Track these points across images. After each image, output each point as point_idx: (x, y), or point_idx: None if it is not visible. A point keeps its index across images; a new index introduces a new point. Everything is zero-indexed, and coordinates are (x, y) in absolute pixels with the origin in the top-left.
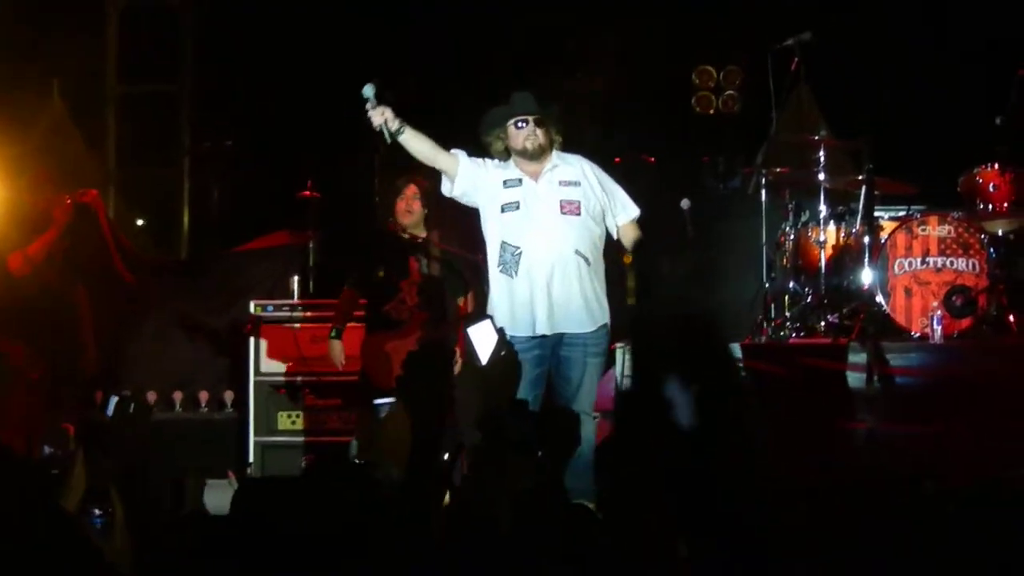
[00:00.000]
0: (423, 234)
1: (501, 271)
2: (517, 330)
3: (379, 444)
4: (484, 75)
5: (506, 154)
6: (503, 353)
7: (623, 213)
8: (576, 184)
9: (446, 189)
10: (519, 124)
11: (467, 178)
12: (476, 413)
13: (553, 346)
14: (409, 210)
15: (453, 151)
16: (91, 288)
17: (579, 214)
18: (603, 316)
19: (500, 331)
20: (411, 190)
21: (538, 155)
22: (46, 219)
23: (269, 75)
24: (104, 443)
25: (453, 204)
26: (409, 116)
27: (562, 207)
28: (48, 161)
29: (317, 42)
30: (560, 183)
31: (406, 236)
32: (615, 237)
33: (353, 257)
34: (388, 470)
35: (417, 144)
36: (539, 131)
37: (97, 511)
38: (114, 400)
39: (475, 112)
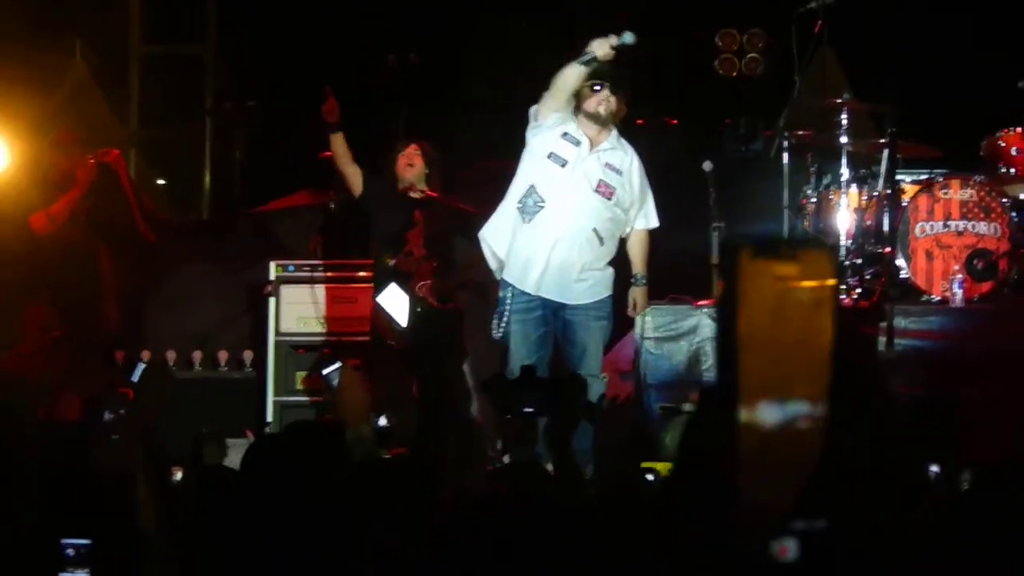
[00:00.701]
0: (424, 191)
1: (519, 209)
2: (511, 277)
3: (341, 410)
4: (501, 43)
5: (569, 112)
6: (418, 310)
7: (643, 220)
8: (619, 172)
9: (533, 112)
10: (596, 87)
11: (555, 120)
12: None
13: (555, 310)
14: (410, 163)
15: (571, 103)
16: (113, 247)
17: (610, 199)
18: (603, 289)
19: (408, 291)
20: (411, 148)
21: (609, 121)
22: (69, 179)
23: (292, 36)
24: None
25: (475, 169)
26: (415, 89)
27: (599, 186)
28: (70, 121)
29: (340, 4)
30: (607, 165)
31: (414, 194)
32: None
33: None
34: (361, 432)
35: (575, 81)
36: (613, 99)
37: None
38: (141, 367)
39: (494, 79)
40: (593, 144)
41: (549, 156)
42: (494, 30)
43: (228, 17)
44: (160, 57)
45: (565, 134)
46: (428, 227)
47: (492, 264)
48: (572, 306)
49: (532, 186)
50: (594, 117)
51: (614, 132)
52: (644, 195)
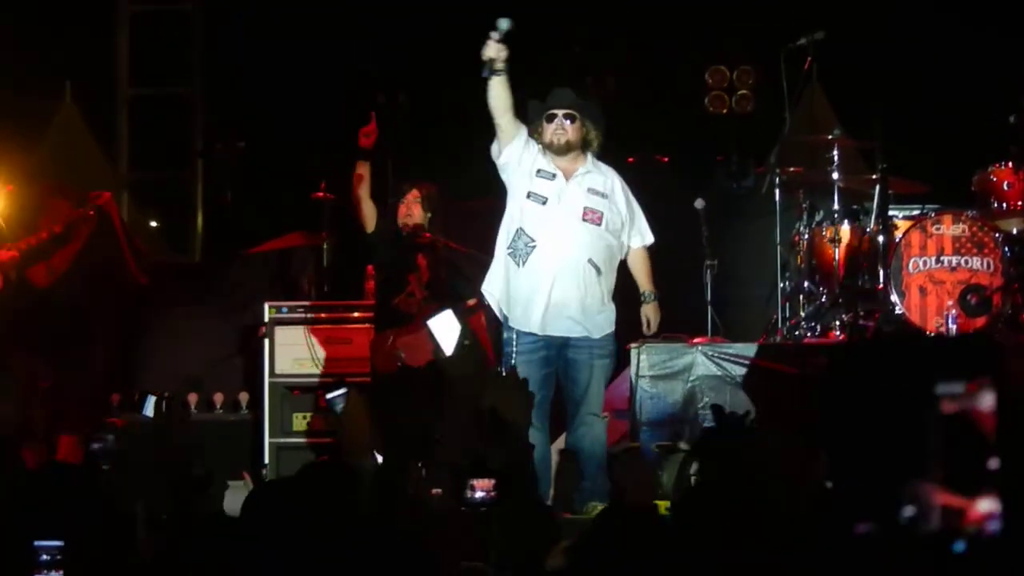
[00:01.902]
0: (427, 236)
1: (510, 255)
2: (516, 323)
3: (344, 438)
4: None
5: (543, 148)
6: (467, 343)
7: (638, 237)
8: (603, 196)
9: (494, 151)
10: (550, 117)
11: (517, 150)
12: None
13: (559, 348)
14: (409, 213)
15: (519, 123)
16: (104, 292)
17: (600, 224)
18: (606, 326)
19: (462, 322)
20: (412, 194)
21: (563, 150)
22: (69, 231)
23: (281, 76)
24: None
25: (462, 209)
26: (402, 128)
27: (584, 213)
28: (62, 164)
29: (328, 43)
30: (589, 190)
31: (418, 238)
32: (621, 257)
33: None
34: (362, 466)
35: (502, 93)
36: (568, 126)
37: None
38: (151, 400)
39: (482, 118)
40: (569, 174)
41: (529, 196)
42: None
43: (215, 58)
44: (149, 99)
45: (539, 171)
46: (430, 270)
47: (500, 315)
48: (575, 344)
49: (520, 229)
50: (549, 146)
51: (589, 157)
52: (633, 213)
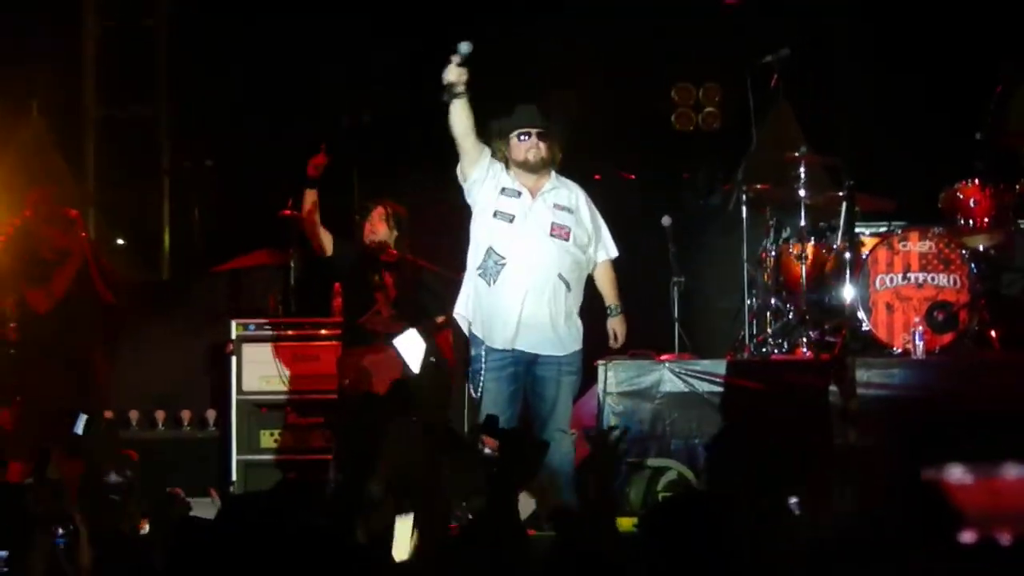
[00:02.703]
0: (393, 253)
1: (480, 275)
2: (487, 338)
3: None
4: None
5: (504, 165)
6: (432, 359)
7: (603, 251)
8: (569, 211)
9: (459, 174)
10: (522, 136)
11: (482, 171)
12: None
13: (528, 364)
14: (373, 231)
15: (482, 144)
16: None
17: (567, 239)
18: (574, 342)
19: (428, 339)
20: (378, 212)
21: (539, 168)
22: (64, 254)
23: (247, 95)
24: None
25: (431, 226)
26: (369, 145)
27: (552, 229)
28: (28, 178)
29: (294, 62)
30: (555, 205)
31: (383, 255)
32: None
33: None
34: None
35: (464, 116)
36: (542, 144)
37: (60, 531)
38: (83, 418)
39: (443, 134)
40: (534, 192)
41: (495, 215)
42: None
43: (181, 77)
44: (116, 118)
45: (504, 189)
46: (397, 288)
47: (468, 333)
48: (544, 361)
49: (489, 248)
50: (524, 165)
51: (553, 174)
52: (598, 228)
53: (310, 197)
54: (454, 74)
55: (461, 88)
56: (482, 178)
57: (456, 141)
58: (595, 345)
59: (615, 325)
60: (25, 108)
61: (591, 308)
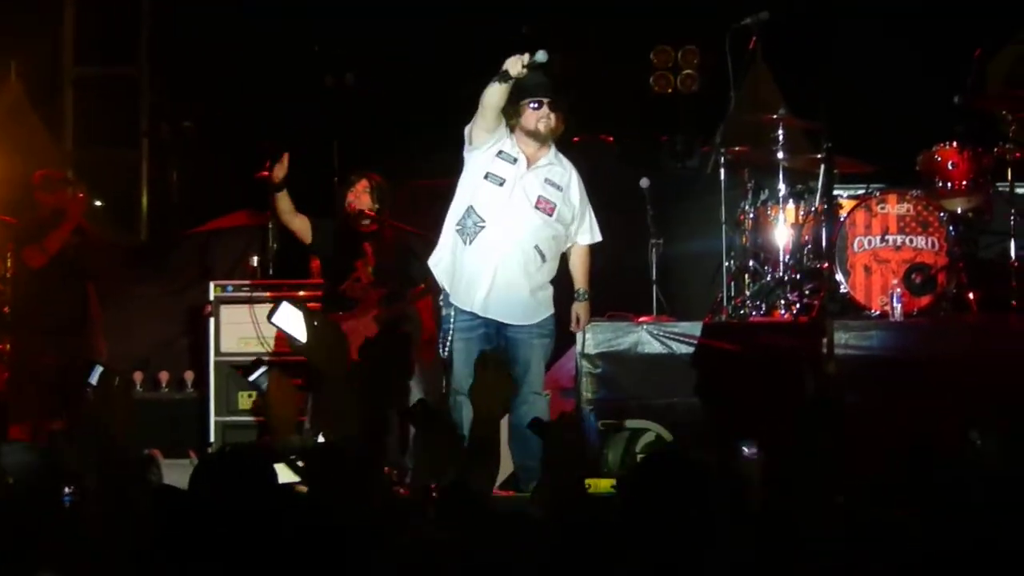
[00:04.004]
0: (374, 225)
1: (458, 232)
2: (458, 300)
3: (270, 415)
4: (440, 59)
5: (506, 129)
6: (316, 323)
7: (586, 235)
8: (559, 188)
9: (467, 134)
10: (534, 105)
11: (490, 140)
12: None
13: (499, 327)
14: (357, 200)
15: (501, 118)
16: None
17: (551, 215)
18: (544, 309)
19: (301, 305)
20: (362, 184)
21: (547, 139)
22: (59, 214)
23: (227, 56)
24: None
25: (416, 196)
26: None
27: (538, 202)
28: (6, 142)
29: (276, 24)
30: (546, 180)
31: (363, 221)
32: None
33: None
34: (288, 442)
35: (501, 97)
36: (553, 115)
37: (68, 489)
38: (99, 370)
39: (428, 97)
40: (531, 161)
41: (486, 176)
42: (430, 49)
43: (161, 38)
44: (94, 78)
45: (500, 152)
46: (376, 257)
47: (442, 289)
48: (515, 325)
49: (471, 207)
50: (533, 134)
51: (552, 148)
52: (584, 210)
53: (282, 202)
54: (515, 69)
55: (511, 80)
56: (487, 144)
57: (482, 110)
58: (567, 315)
59: (579, 310)
60: (4, 70)
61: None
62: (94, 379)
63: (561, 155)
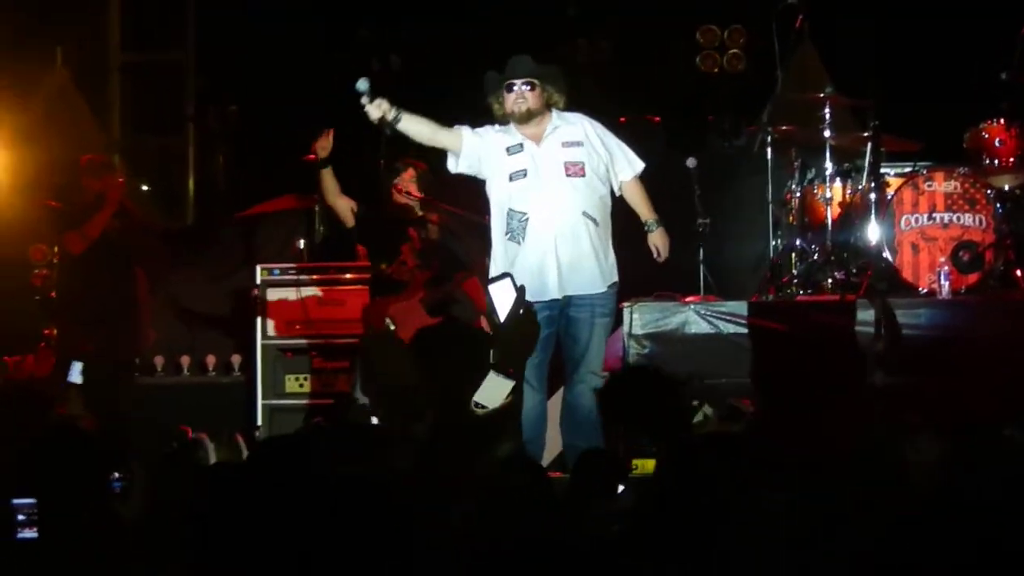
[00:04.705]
0: (420, 213)
1: (509, 239)
2: (533, 295)
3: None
4: (485, 44)
5: (506, 118)
6: (521, 311)
7: (627, 169)
8: (579, 144)
9: (451, 166)
10: (509, 87)
11: (471, 153)
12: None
13: (562, 307)
14: (406, 191)
15: (456, 127)
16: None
17: (584, 175)
18: (612, 275)
19: (520, 289)
20: (409, 174)
21: (526, 119)
22: (100, 199)
23: (273, 41)
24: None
25: (460, 179)
26: (398, 91)
27: (567, 169)
28: (54, 129)
29: (321, 7)
30: (563, 144)
31: (412, 211)
32: (618, 194)
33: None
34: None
35: (416, 128)
36: (529, 94)
37: (117, 475)
38: (77, 366)
39: (473, 82)
40: (537, 138)
41: (511, 178)
42: (472, 31)
43: (207, 22)
44: (140, 64)
45: (507, 149)
46: (422, 241)
47: None
48: (578, 302)
49: (510, 210)
50: (511, 116)
51: (552, 113)
52: (613, 147)
53: (327, 179)
54: (375, 111)
55: (392, 114)
56: (477, 157)
57: (433, 145)
58: (621, 289)
59: (656, 240)
60: (50, 56)
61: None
62: (75, 377)
63: (564, 114)
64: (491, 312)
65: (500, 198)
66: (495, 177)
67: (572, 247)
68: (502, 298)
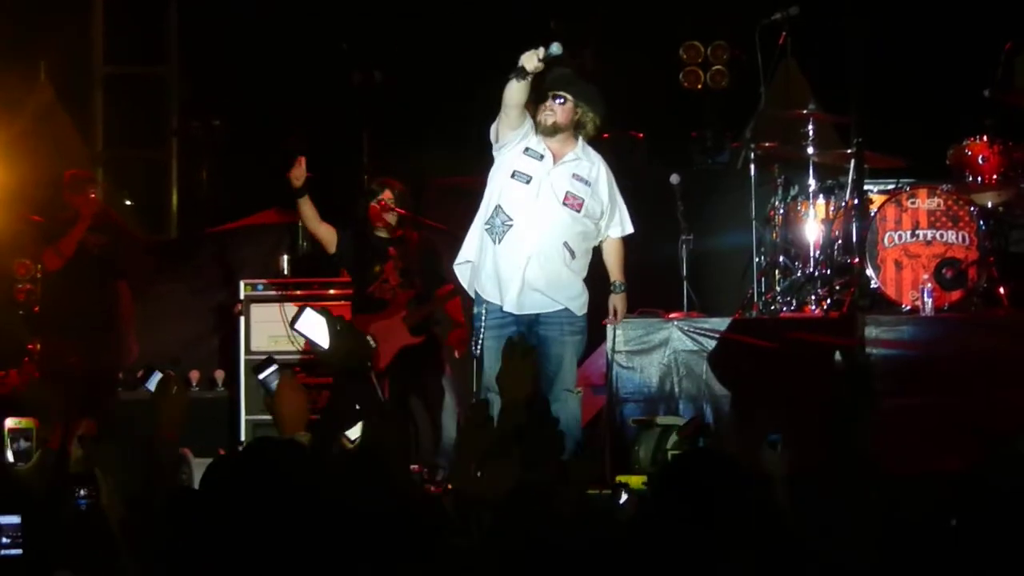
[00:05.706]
0: (400, 231)
1: (488, 231)
2: (490, 298)
3: (278, 415)
4: (467, 56)
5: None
6: (339, 328)
7: (617, 228)
8: (587, 183)
9: (492, 133)
10: (551, 98)
11: (516, 137)
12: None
13: (530, 324)
14: (386, 212)
15: (525, 114)
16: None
17: (579, 211)
18: (579, 307)
19: (322, 311)
20: (386, 195)
21: (551, 132)
22: (74, 215)
23: (256, 55)
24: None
25: (443, 194)
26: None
27: (566, 198)
28: (37, 142)
29: (303, 22)
30: (574, 176)
31: (391, 228)
32: (597, 243)
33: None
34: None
35: (522, 93)
36: (558, 107)
37: (82, 492)
38: (157, 376)
39: (456, 95)
40: (557, 157)
41: (513, 175)
42: (455, 47)
43: (190, 36)
44: (123, 77)
45: (527, 149)
46: (403, 259)
47: (470, 291)
48: (546, 320)
49: (499, 206)
50: (537, 126)
51: (580, 143)
52: (615, 203)
53: (305, 208)
54: (532, 64)
55: (529, 75)
56: (514, 142)
57: (504, 108)
58: (603, 309)
59: (617, 302)
60: (33, 69)
61: (601, 272)
62: (151, 385)
63: (590, 149)
64: (314, 347)
65: (494, 190)
66: (502, 165)
67: (542, 271)
68: (314, 328)
